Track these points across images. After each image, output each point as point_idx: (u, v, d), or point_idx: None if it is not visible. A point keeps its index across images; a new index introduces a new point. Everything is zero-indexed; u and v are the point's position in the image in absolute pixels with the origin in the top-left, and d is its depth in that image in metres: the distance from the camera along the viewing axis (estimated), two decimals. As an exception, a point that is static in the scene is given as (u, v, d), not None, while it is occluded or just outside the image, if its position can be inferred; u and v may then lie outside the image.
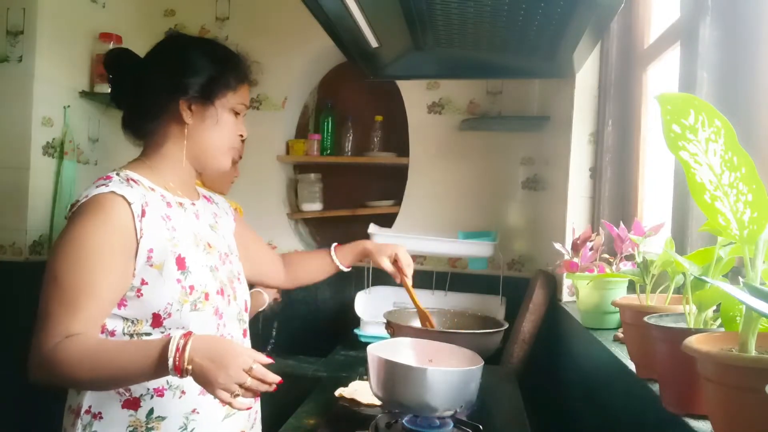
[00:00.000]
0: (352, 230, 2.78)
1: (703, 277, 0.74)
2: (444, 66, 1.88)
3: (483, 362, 1.22)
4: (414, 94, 2.67)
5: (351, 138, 2.80)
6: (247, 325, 1.30)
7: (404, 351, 1.32)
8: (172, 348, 0.94)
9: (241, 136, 1.24)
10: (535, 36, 1.50)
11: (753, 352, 0.63)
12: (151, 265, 1.07)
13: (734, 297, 0.57)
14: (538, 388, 1.88)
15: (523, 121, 2.54)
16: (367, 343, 1.26)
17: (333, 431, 1.26)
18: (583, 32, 1.39)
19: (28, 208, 2.20)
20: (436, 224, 2.62)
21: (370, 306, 2.31)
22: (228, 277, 1.22)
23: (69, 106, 2.34)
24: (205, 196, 1.33)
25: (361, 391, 1.44)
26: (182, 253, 1.11)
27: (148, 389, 1.08)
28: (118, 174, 1.13)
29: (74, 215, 1.07)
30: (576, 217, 1.96)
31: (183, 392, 1.11)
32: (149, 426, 1.08)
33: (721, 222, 0.64)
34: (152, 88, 1.15)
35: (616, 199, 1.88)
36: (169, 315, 1.08)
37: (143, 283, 1.07)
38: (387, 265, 1.53)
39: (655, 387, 0.91)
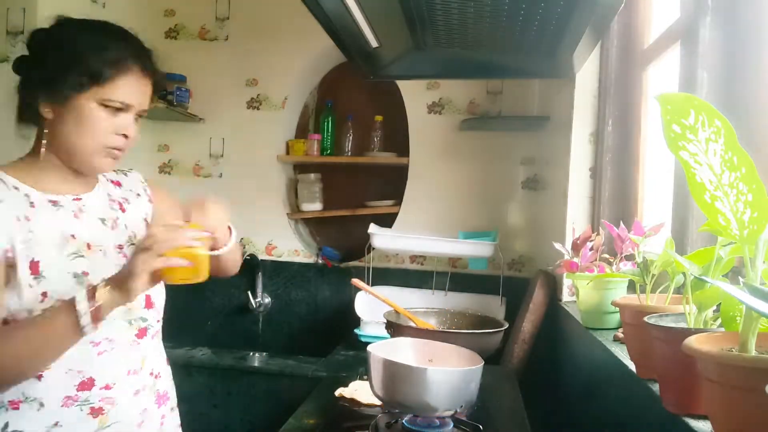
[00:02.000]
0: (352, 230, 2.79)
1: (703, 277, 0.74)
2: (444, 66, 1.87)
3: (483, 362, 1.22)
4: (414, 94, 2.67)
5: (351, 138, 2.80)
6: (148, 322, 1.15)
7: (404, 351, 1.32)
8: (81, 312, 0.92)
9: (125, 135, 1.08)
10: (535, 36, 1.50)
11: (753, 352, 0.63)
12: (10, 265, 0.99)
13: (734, 297, 0.57)
14: (538, 388, 1.88)
15: (523, 121, 2.54)
16: (367, 343, 1.26)
17: (333, 431, 1.26)
18: (583, 32, 1.39)
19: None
20: (436, 224, 2.62)
21: (370, 306, 2.31)
22: (110, 272, 1.05)
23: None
24: (113, 181, 1.23)
25: (361, 391, 1.44)
26: (36, 256, 1.01)
27: (2, 402, 1.00)
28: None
29: None
30: (576, 217, 1.96)
31: (41, 404, 1.01)
32: None
33: (721, 222, 0.64)
34: (22, 81, 1.10)
35: (616, 199, 1.88)
36: (16, 320, 1.00)
37: (7, 282, 0.99)
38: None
39: (655, 387, 0.91)
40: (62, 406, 1.02)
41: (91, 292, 0.94)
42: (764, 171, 0.70)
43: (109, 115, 1.05)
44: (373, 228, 2.41)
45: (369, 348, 1.22)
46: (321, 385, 1.67)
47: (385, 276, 2.58)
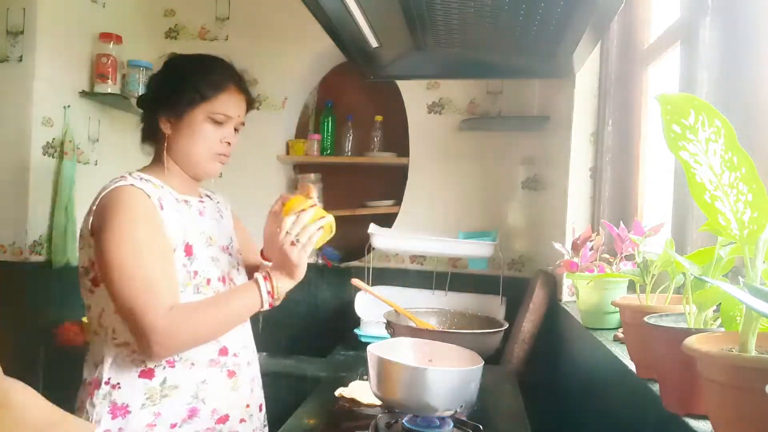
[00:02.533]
0: (352, 230, 2.78)
1: (703, 277, 0.74)
2: (444, 66, 1.87)
3: (483, 362, 1.22)
4: (414, 94, 2.67)
5: (351, 138, 2.80)
6: None
7: (404, 351, 1.32)
8: (264, 296, 1.22)
9: (228, 143, 1.31)
10: (535, 36, 1.50)
11: (753, 352, 0.63)
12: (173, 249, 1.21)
13: (734, 297, 0.57)
14: (538, 388, 1.88)
15: (523, 121, 2.54)
16: (367, 343, 1.26)
17: (333, 431, 1.26)
18: (583, 32, 1.39)
19: (28, 208, 2.20)
20: (436, 224, 2.63)
21: (370, 306, 2.31)
22: (229, 267, 1.34)
23: (69, 106, 2.34)
24: (207, 195, 1.44)
25: (361, 391, 1.44)
26: (190, 241, 1.24)
27: (161, 361, 1.19)
28: (130, 174, 1.25)
29: (104, 210, 1.18)
30: (576, 217, 1.96)
31: (192, 364, 1.22)
32: (163, 393, 1.19)
33: (721, 222, 0.64)
34: (145, 108, 1.33)
35: (616, 199, 1.88)
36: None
37: None
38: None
39: (655, 387, 0.91)
40: (208, 366, 1.24)
41: (267, 276, 1.22)
42: (764, 171, 0.70)
43: (215, 127, 1.28)
44: (373, 228, 2.41)
45: (369, 348, 1.22)
46: (321, 385, 1.67)
47: (385, 276, 2.58)
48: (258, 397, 1.39)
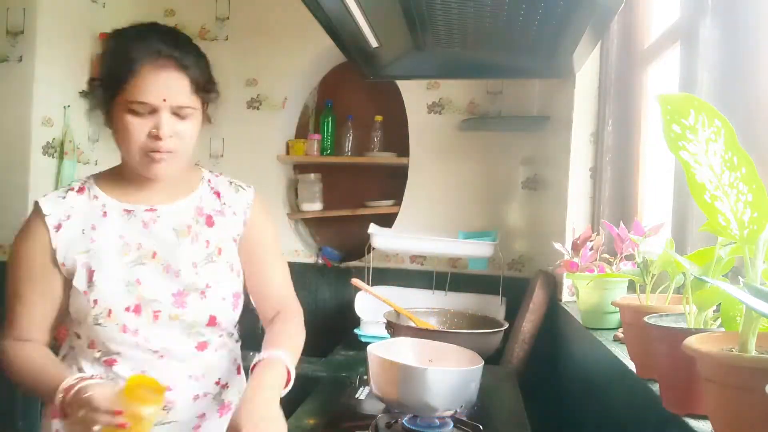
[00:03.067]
0: (352, 230, 2.79)
1: (703, 277, 0.74)
2: (444, 66, 1.87)
3: (483, 362, 1.22)
4: (414, 94, 2.67)
5: (351, 138, 2.80)
6: (209, 338, 1.15)
7: (404, 351, 1.32)
8: (58, 395, 0.97)
9: (156, 136, 1.05)
10: (535, 36, 1.50)
11: (753, 352, 0.63)
12: (67, 276, 1.10)
13: (734, 297, 0.57)
14: (538, 388, 1.88)
15: (523, 121, 2.54)
16: (367, 343, 1.26)
17: (333, 431, 1.26)
18: (583, 32, 1.39)
19: (28, 208, 2.20)
20: (436, 224, 2.62)
21: (370, 306, 2.31)
22: (179, 290, 1.11)
23: (69, 106, 2.34)
24: (215, 191, 1.22)
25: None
26: (93, 266, 1.09)
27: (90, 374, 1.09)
28: (84, 181, 1.17)
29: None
30: (576, 217, 1.96)
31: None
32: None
33: (721, 222, 0.64)
34: None
35: (616, 199, 1.88)
36: (79, 323, 1.11)
37: (70, 287, 1.10)
38: None
39: (655, 387, 0.91)
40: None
41: (65, 392, 0.97)
42: (764, 171, 0.70)
43: (138, 119, 1.05)
44: (373, 228, 2.41)
45: (369, 348, 1.22)
46: (321, 385, 1.67)
47: (385, 276, 2.58)
48: None
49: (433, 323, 1.69)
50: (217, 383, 1.18)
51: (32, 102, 2.20)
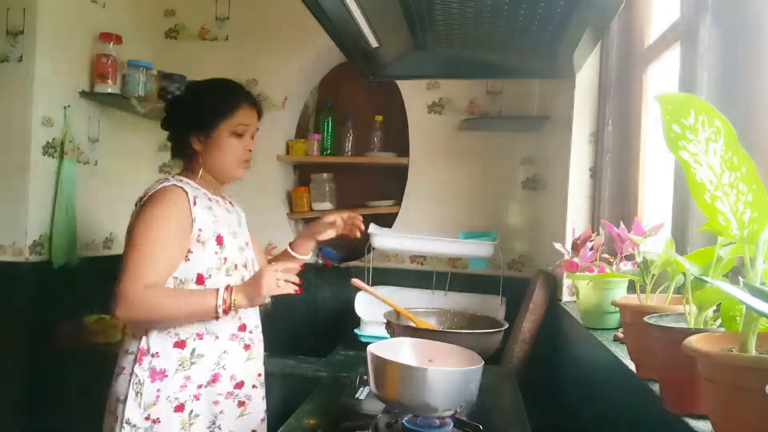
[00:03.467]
0: (352, 230, 2.78)
1: (703, 277, 0.74)
2: (444, 66, 1.87)
3: (483, 362, 1.22)
4: (414, 94, 2.67)
5: (351, 138, 2.80)
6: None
7: (404, 351, 1.32)
8: (219, 302, 1.38)
9: (249, 150, 1.56)
10: (535, 36, 1.50)
11: (753, 352, 0.63)
12: (198, 240, 1.45)
13: (734, 297, 0.57)
14: (538, 388, 1.88)
15: (523, 121, 2.54)
16: (367, 343, 1.26)
17: (333, 431, 1.26)
18: (583, 32, 1.39)
19: (28, 208, 2.20)
20: (436, 224, 2.62)
21: (370, 306, 2.31)
22: (251, 258, 1.61)
23: (69, 106, 2.34)
24: (229, 202, 1.67)
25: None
26: (221, 233, 1.49)
27: (192, 333, 1.45)
28: (173, 177, 1.52)
29: (147, 202, 1.44)
30: (576, 217, 1.96)
31: (217, 337, 1.48)
32: (192, 361, 1.45)
33: (721, 222, 0.64)
34: (173, 129, 1.58)
35: (616, 199, 1.88)
36: (210, 276, 1.46)
37: (190, 252, 1.45)
38: (329, 219, 1.75)
39: (655, 387, 0.91)
40: (229, 339, 1.50)
41: (229, 290, 1.39)
42: (764, 171, 0.70)
43: (237, 139, 1.54)
44: (373, 228, 2.41)
45: (369, 348, 1.22)
46: (321, 385, 1.67)
47: (385, 276, 2.58)
48: (263, 369, 1.62)
49: (433, 323, 1.69)
50: (258, 328, 1.64)
51: (32, 102, 2.19)
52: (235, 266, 1.51)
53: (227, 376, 1.49)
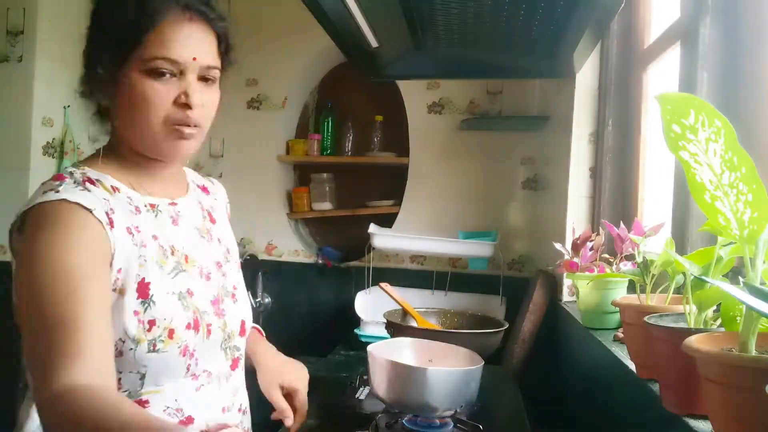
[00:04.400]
0: (352, 230, 2.78)
1: (703, 277, 0.74)
2: (444, 66, 1.87)
3: (483, 362, 1.22)
4: (414, 94, 2.67)
5: (351, 138, 2.80)
6: (240, 351, 1.02)
7: (404, 351, 1.32)
8: None
9: (186, 104, 0.86)
10: (535, 36, 1.50)
11: (753, 352, 0.63)
12: (115, 290, 0.83)
13: (734, 297, 0.57)
14: (538, 388, 1.88)
15: (523, 121, 2.54)
16: (367, 343, 1.26)
17: (333, 431, 1.26)
18: (583, 32, 1.39)
19: (28, 208, 2.20)
20: (436, 224, 2.62)
21: (370, 306, 2.31)
22: (215, 297, 0.95)
23: (69, 106, 2.34)
24: (200, 186, 1.07)
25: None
26: (147, 276, 0.85)
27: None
28: (72, 174, 0.88)
29: (27, 232, 0.81)
30: (576, 217, 1.96)
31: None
32: None
33: (721, 222, 0.64)
34: (83, 73, 0.92)
35: (616, 199, 1.88)
36: (121, 354, 0.83)
37: (120, 312, 0.83)
38: (276, 398, 1.10)
39: (655, 387, 0.91)
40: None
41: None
42: (764, 171, 0.70)
43: (158, 83, 0.85)
44: (373, 228, 2.41)
45: (369, 348, 1.22)
46: (321, 385, 1.67)
47: (385, 276, 2.56)
48: None
49: (433, 323, 1.69)
50: (240, 410, 1.02)
51: (32, 102, 2.19)
52: (170, 333, 0.85)
53: None
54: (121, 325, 0.83)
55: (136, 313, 0.84)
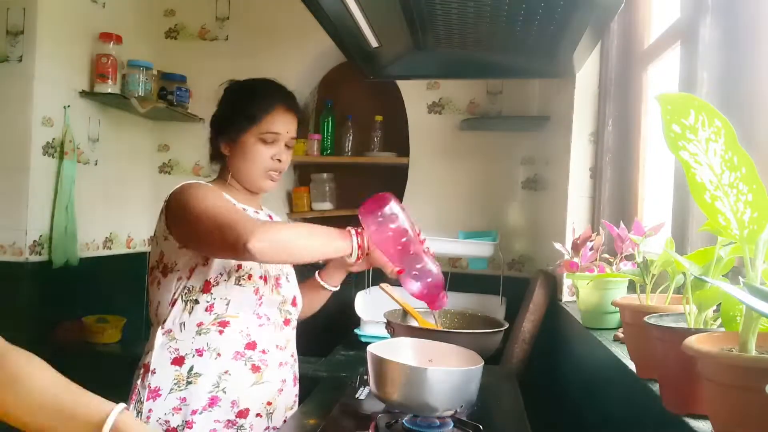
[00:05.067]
0: (352, 230, 2.78)
1: (703, 277, 0.74)
2: (444, 66, 1.88)
3: (483, 362, 1.22)
4: (414, 94, 2.67)
5: (351, 138, 2.80)
6: (292, 316, 1.48)
7: (404, 351, 1.32)
8: (354, 242, 1.29)
9: (279, 160, 1.42)
10: (535, 36, 1.50)
11: (753, 352, 0.63)
12: None
13: (734, 297, 0.57)
14: (538, 388, 1.88)
15: (523, 121, 2.54)
16: (367, 343, 1.26)
17: (333, 431, 1.26)
18: (583, 32, 1.39)
19: (28, 208, 2.20)
20: (437, 224, 2.62)
21: (370, 306, 2.31)
22: (276, 272, 1.44)
23: (69, 106, 2.34)
24: (268, 214, 1.57)
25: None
26: None
27: (192, 349, 1.32)
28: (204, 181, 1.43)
29: (179, 192, 1.32)
30: (576, 217, 1.96)
31: (219, 354, 1.32)
32: (189, 380, 1.30)
33: (721, 222, 0.64)
34: (211, 129, 1.47)
35: (616, 199, 1.88)
36: (217, 283, 1.32)
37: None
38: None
39: (655, 387, 0.91)
40: (233, 358, 1.33)
41: (359, 232, 1.30)
42: (764, 171, 0.70)
43: (265, 146, 1.40)
44: (373, 228, 2.41)
45: (369, 348, 1.22)
46: (321, 385, 1.66)
47: (386, 276, 2.57)
48: (287, 400, 1.44)
49: (433, 323, 1.69)
50: (292, 356, 1.48)
51: (32, 102, 2.19)
52: (249, 276, 1.36)
53: (227, 401, 1.32)
54: (221, 265, 1.33)
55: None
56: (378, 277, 2.50)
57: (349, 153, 2.79)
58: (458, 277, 2.54)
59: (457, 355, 1.28)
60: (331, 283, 1.63)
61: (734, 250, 0.77)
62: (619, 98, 1.86)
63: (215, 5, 2.82)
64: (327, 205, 2.79)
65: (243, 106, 1.41)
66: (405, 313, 1.69)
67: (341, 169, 2.84)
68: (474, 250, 2.37)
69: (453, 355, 1.29)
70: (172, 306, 1.34)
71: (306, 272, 1.68)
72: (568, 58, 1.60)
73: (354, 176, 2.86)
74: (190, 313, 1.34)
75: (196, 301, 1.33)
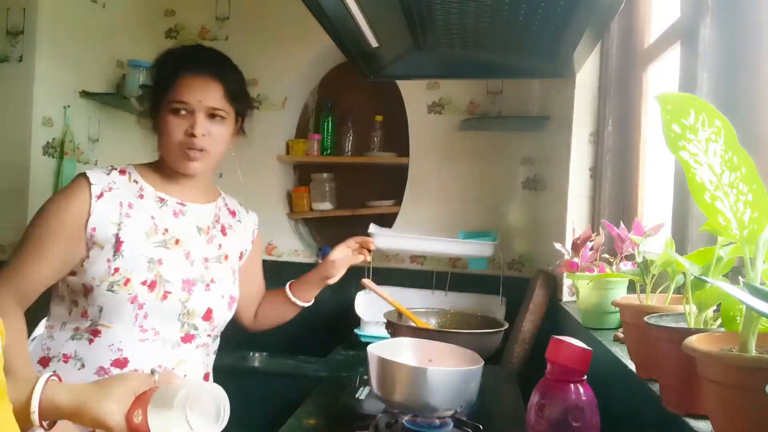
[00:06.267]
0: (352, 230, 2.77)
1: (703, 277, 0.74)
2: (444, 66, 1.87)
3: (483, 362, 1.22)
4: (414, 94, 2.67)
5: (351, 138, 2.80)
6: (198, 332, 1.27)
7: (404, 351, 1.32)
8: (33, 403, 0.76)
9: (192, 134, 1.23)
10: (535, 36, 1.50)
11: (753, 352, 0.63)
12: (94, 243, 1.20)
13: (734, 297, 0.57)
14: (538, 388, 1.87)
15: (523, 121, 2.54)
16: (367, 343, 1.26)
17: (333, 431, 1.26)
18: (583, 32, 1.39)
19: (28, 208, 2.20)
20: (436, 224, 2.62)
21: (370, 306, 2.31)
22: (189, 278, 1.26)
23: (69, 106, 2.34)
24: (230, 209, 1.46)
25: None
26: (123, 237, 1.21)
27: (60, 353, 1.19)
28: (125, 166, 1.31)
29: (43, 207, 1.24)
30: (576, 217, 1.96)
31: (83, 365, 1.18)
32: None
33: (721, 222, 0.64)
34: None
35: (616, 199, 1.88)
36: (91, 289, 1.18)
37: (87, 256, 1.20)
38: (348, 258, 1.58)
39: (656, 387, 0.91)
40: (95, 373, 1.17)
41: (51, 386, 0.80)
42: (764, 171, 0.70)
43: (177, 118, 1.24)
44: (373, 228, 2.41)
45: (369, 348, 1.22)
46: (321, 385, 1.67)
47: (385, 276, 2.57)
48: None
49: (433, 323, 1.69)
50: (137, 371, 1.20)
51: (32, 102, 2.19)
52: (126, 281, 1.17)
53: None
54: (95, 268, 1.18)
55: (108, 260, 1.18)
56: (378, 277, 2.51)
57: (349, 153, 2.79)
58: (458, 277, 2.54)
59: (457, 355, 1.28)
60: (302, 299, 1.55)
61: (734, 250, 0.77)
62: (619, 98, 1.86)
63: (215, 5, 2.81)
64: (327, 205, 2.79)
65: (155, 74, 1.30)
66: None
67: (341, 169, 2.84)
68: (474, 250, 2.37)
69: (453, 355, 1.29)
70: (60, 301, 1.25)
71: (275, 281, 1.67)
72: (568, 58, 1.60)
73: (354, 176, 2.86)
74: (70, 313, 1.23)
75: (76, 303, 1.22)
